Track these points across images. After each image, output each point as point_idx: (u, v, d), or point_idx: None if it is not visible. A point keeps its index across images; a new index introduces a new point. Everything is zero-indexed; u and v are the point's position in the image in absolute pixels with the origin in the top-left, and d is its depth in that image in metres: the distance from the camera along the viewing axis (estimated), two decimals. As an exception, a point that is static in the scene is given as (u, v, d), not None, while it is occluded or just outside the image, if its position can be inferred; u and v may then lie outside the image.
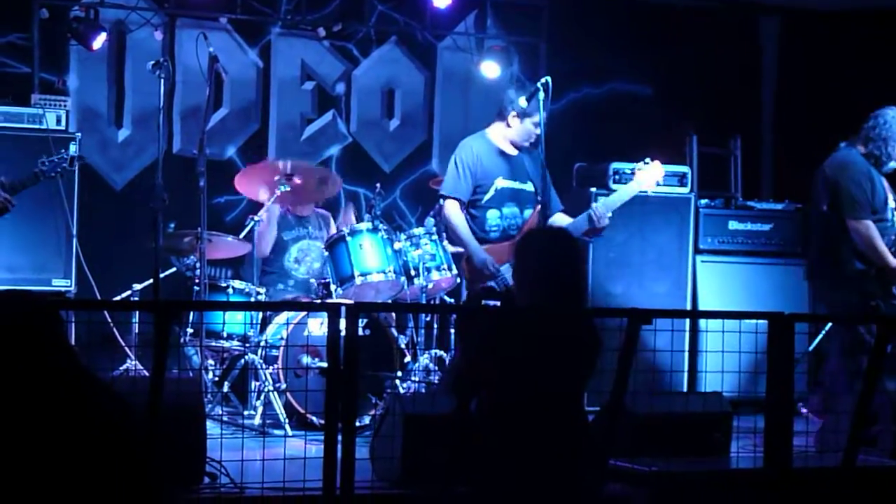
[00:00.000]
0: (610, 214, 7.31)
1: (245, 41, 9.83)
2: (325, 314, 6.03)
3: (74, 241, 8.39)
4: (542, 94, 7.25)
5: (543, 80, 7.32)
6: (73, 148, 6.84)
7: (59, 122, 8.46)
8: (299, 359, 7.71)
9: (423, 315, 7.95)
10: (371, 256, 7.82)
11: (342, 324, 5.13)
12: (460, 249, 7.67)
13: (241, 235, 8.31)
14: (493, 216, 7.34)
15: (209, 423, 6.44)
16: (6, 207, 6.69)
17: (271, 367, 7.71)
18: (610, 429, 5.46)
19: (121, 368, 8.16)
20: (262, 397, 7.70)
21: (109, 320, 8.28)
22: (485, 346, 5.02)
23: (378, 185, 8.79)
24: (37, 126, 8.16)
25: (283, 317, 7.91)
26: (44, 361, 3.81)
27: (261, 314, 7.98)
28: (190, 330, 7.94)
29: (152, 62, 7.77)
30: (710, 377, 8.66)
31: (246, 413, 7.81)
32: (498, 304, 5.90)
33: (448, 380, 7.16)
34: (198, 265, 7.83)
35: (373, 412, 7.57)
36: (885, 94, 7.91)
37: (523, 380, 4.89)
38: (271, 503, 5.55)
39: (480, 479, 4.91)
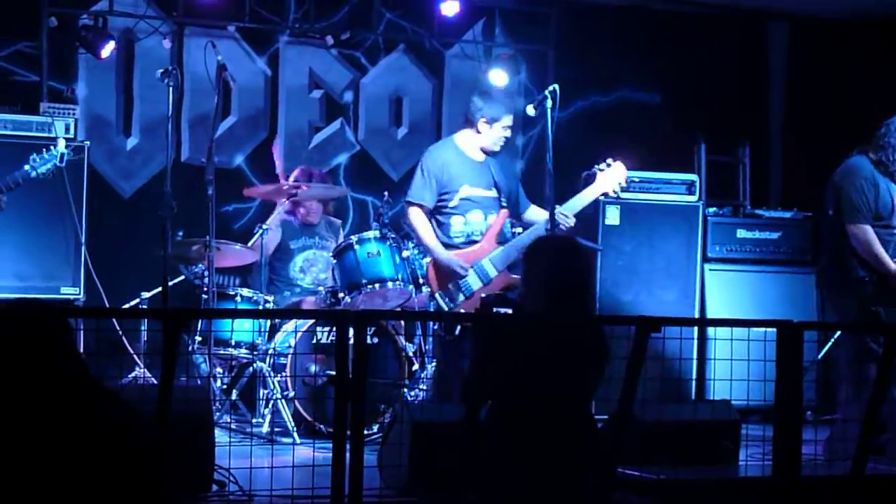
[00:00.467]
0: (572, 217, 7.42)
1: (253, 49, 9.85)
2: (333, 323, 6.04)
3: (83, 248, 8.41)
4: (549, 102, 7.29)
5: (551, 87, 7.37)
6: (61, 145, 6.81)
7: (67, 130, 8.47)
8: (307, 367, 7.73)
9: (431, 323, 7.95)
10: (379, 265, 7.83)
11: (350, 332, 5.14)
12: None
13: (250, 244, 8.32)
14: (457, 223, 7.52)
15: (217, 431, 6.46)
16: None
17: (279, 375, 7.73)
18: (618, 436, 5.47)
19: (129, 376, 8.16)
20: (270, 405, 7.71)
21: (118, 328, 8.29)
22: (493, 354, 5.03)
23: (386, 193, 8.78)
24: (45, 134, 8.16)
25: (291, 325, 7.92)
26: (52, 369, 3.82)
27: (269, 322, 7.99)
28: (198, 338, 7.95)
29: (161, 70, 7.78)
30: (718, 385, 8.64)
31: (254, 421, 7.82)
32: (509, 311, 5.90)
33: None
34: (206, 273, 7.84)
35: (381, 420, 7.59)
36: (894, 101, 7.92)
37: (531, 387, 4.89)
38: (279, 511, 5.58)
39: (489, 486, 4.91)
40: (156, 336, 7.93)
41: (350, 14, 9.90)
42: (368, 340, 7.20)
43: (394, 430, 6.17)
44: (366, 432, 5.66)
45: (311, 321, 7.79)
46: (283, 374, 7.71)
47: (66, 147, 6.87)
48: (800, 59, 10.70)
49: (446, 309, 7.39)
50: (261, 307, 8.04)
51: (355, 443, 5.23)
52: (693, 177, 9.50)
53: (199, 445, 5.72)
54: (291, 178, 8.61)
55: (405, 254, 7.88)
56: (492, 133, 7.55)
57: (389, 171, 10.18)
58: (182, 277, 8.36)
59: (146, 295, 8.32)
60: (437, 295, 7.43)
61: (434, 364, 7.79)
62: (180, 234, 8.07)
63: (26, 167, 6.84)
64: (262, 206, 9.33)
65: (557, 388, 4.93)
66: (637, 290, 9.17)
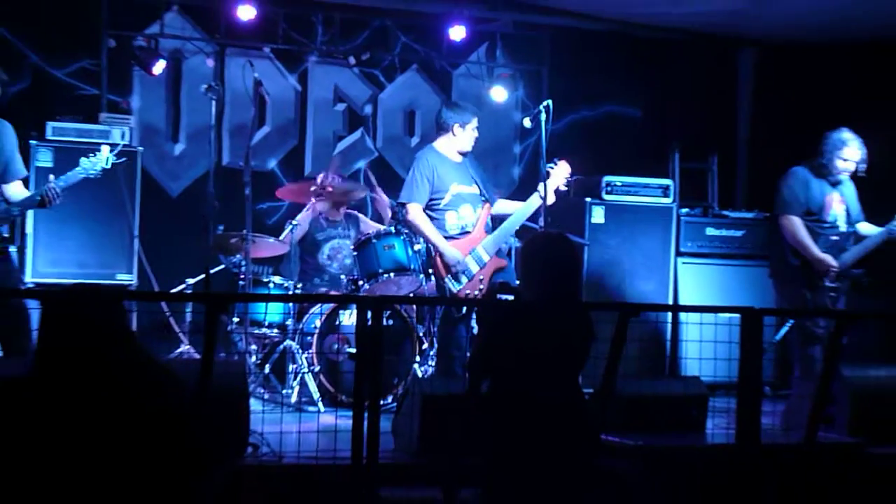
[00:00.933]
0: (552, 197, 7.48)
1: (285, 68, 9.83)
2: (354, 306, 6.04)
3: (136, 240, 8.41)
4: (543, 116, 7.33)
5: (545, 103, 7.40)
6: (105, 150, 6.80)
7: (123, 137, 8.48)
8: (331, 345, 7.74)
9: (439, 307, 7.94)
10: (394, 256, 7.83)
11: (368, 315, 5.14)
12: None
13: (281, 237, 8.33)
14: (451, 217, 7.57)
15: (252, 401, 6.46)
16: (53, 201, 6.64)
17: (306, 352, 7.73)
18: (602, 408, 5.48)
19: (176, 352, 8.18)
20: (298, 378, 7.72)
21: (166, 310, 8.31)
22: (494, 336, 5.03)
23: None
24: (104, 141, 8.16)
25: (317, 308, 7.92)
26: (109, 344, 3.84)
27: (298, 305, 7.99)
28: (236, 319, 7.96)
29: (205, 86, 7.78)
30: (689, 363, 8.68)
31: (284, 392, 7.82)
32: (511, 298, 5.92)
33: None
34: (243, 262, 7.85)
35: (395, 392, 7.59)
36: (846, 117, 7.93)
37: (527, 364, 4.90)
38: (306, 470, 5.58)
39: (490, 451, 4.92)
40: (199, 317, 7.95)
41: (370, 37, 9.89)
42: (384, 322, 7.20)
43: (406, 401, 6.17)
44: (381, 403, 5.65)
45: (335, 305, 7.79)
46: (310, 351, 7.71)
47: (111, 151, 6.84)
48: (765, 81, 10.68)
49: (454, 290, 7.40)
50: (290, 293, 8.05)
51: (372, 412, 5.24)
52: (668, 182, 9.48)
53: (236, 413, 5.71)
54: (319, 179, 8.57)
55: (416, 247, 7.87)
56: (465, 135, 7.65)
57: (403, 174, 10.09)
58: (222, 266, 8.36)
59: (191, 281, 8.32)
60: (445, 279, 7.44)
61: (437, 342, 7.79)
62: (221, 228, 8.07)
63: (77, 169, 6.82)
64: (291, 204, 9.32)
65: (549, 365, 4.93)
66: (619, 280, 9.15)
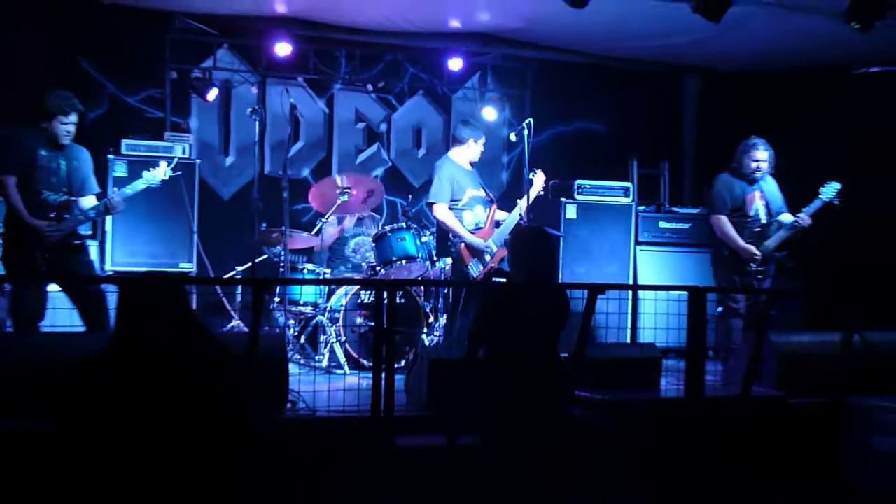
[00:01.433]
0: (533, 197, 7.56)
1: (315, 94, 9.81)
2: (372, 288, 6.03)
3: (195, 235, 8.40)
4: (526, 131, 7.33)
5: (527, 120, 7.38)
6: (163, 165, 6.80)
7: (184, 151, 8.48)
8: (354, 320, 7.73)
9: (442, 288, 7.94)
10: (405, 246, 7.82)
11: (385, 294, 5.14)
12: None
13: (313, 232, 8.31)
14: (468, 216, 7.57)
15: (290, 365, 6.46)
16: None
17: (335, 325, 7.72)
18: (576, 369, 5.47)
19: (227, 327, 8.17)
20: (328, 347, 7.71)
21: (220, 292, 8.30)
22: (489, 310, 5.02)
23: (410, 196, 8.80)
24: (169, 155, 8.15)
25: (342, 290, 7.91)
26: (174, 319, 3.84)
27: (327, 287, 7.98)
28: (277, 299, 7.95)
29: (250, 109, 7.76)
30: (646, 332, 8.66)
31: (316, 358, 7.81)
32: (503, 280, 5.94)
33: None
34: (282, 253, 7.84)
35: (406, 357, 7.59)
36: (770, 129, 7.95)
37: (516, 333, 4.89)
38: (334, 422, 5.58)
39: (486, 403, 4.91)
40: (247, 297, 7.95)
41: (384, 69, 9.86)
42: (397, 301, 7.19)
43: (416, 364, 6.16)
44: (396, 366, 5.64)
45: (357, 287, 7.78)
46: (337, 324, 7.70)
47: (168, 165, 6.84)
48: (706, 101, 10.65)
49: (473, 275, 7.43)
50: (321, 277, 8.04)
51: (388, 374, 5.24)
52: (628, 184, 9.48)
53: (277, 376, 5.71)
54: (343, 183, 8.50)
55: (423, 239, 7.87)
56: (476, 148, 7.67)
57: (412, 180, 10.16)
58: (265, 256, 8.35)
59: (240, 268, 8.31)
60: (469, 265, 7.44)
61: (446, 316, 7.77)
62: (264, 225, 8.06)
63: (139, 180, 6.83)
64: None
65: (533, 334, 4.93)
66: (589, 265, 9.14)
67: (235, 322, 8.19)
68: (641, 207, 9.56)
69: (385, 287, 5.30)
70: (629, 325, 8.95)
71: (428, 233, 8.01)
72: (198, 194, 8.50)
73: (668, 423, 5.85)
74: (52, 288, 6.67)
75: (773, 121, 8.94)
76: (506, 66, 10.27)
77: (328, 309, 7.83)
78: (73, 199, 6.63)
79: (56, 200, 6.57)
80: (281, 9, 8.80)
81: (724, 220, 7.56)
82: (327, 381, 6.57)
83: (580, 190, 9.21)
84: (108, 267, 8.19)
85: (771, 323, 6.44)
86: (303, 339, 7.94)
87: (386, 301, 5.20)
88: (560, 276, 8.78)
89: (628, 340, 8.75)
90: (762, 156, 7.60)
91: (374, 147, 10.06)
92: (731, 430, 5.95)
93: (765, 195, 7.68)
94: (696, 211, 9.67)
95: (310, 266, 8.15)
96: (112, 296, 6.29)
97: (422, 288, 8.16)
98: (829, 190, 7.44)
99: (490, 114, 9.67)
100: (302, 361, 7.78)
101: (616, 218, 9.31)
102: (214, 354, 3.88)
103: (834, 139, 9.38)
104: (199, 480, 3.73)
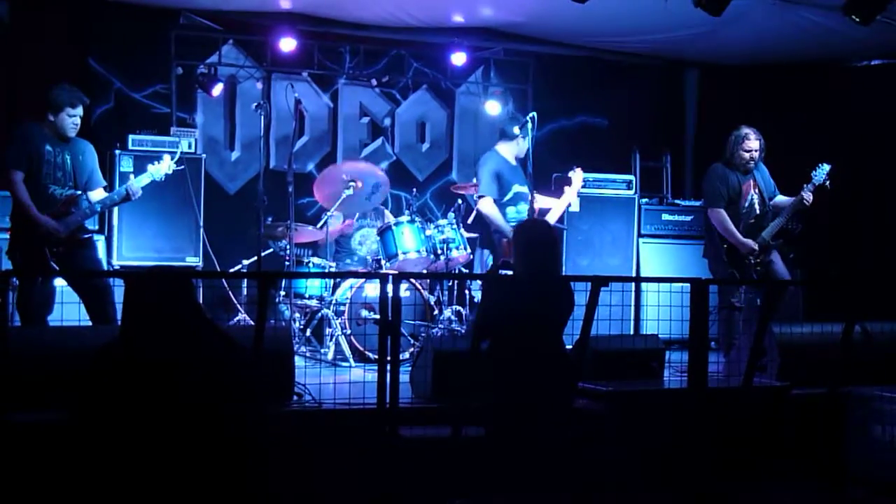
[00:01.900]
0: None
1: (320, 89, 9.79)
2: (378, 281, 6.02)
3: (201, 230, 8.39)
4: (530, 125, 7.29)
5: (531, 115, 7.36)
6: (167, 159, 6.84)
7: (190, 146, 8.48)
8: (359, 312, 7.72)
9: (446, 281, 7.93)
10: (409, 240, 7.81)
11: (390, 287, 5.12)
12: (474, 235, 7.84)
13: (318, 226, 8.31)
14: (511, 211, 7.53)
15: (296, 358, 6.45)
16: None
17: (340, 318, 7.72)
18: (579, 360, 5.46)
19: (234, 320, 8.17)
20: (333, 339, 7.71)
21: (226, 285, 8.30)
22: (493, 303, 5.02)
23: (414, 189, 8.80)
24: (175, 149, 8.15)
25: (348, 282, 7.91)
26: (181, 313, 3.83)
27: (332, 281, 7.98)
28: (282, 292, 7.95)
29: (255, 104, 7.77)
30: (649, 324, 8.66)
31: (322, 350, 7.81)
32: (509, 273, 5.93)
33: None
34: (288, 247, 7.84)
35: (412, 349, 7.58)
36: (769, 124, 7.93)
37: (521, 325, 4.89)
38: (340, 414, 5.57)
39: (490, 395, 4.90)
40: (253, 291, 7.95)
41: (388, 64, 9.84)
42: (402, 293, 7.17)
43: (421, 356, 6.16)
44: (401, 358, 5.63)
45: (362, 280, 7.77)
46: (343, 317, 7.70)
47: (172, 159, 6.87)
48: (706, 94, 10.65)
49: None
50: (326, 270, 8.03)
51: (394, 365, 5.23)
52: (631, 177, 9.47)
53: (283, 368, 5.71)
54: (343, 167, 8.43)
55: (428, 232, 7.86)
56: (524, 144, 7.57)
57: (416, 174, 10.14)
58: (271, 250, 8.35)
59: (246, 262, 8.32)
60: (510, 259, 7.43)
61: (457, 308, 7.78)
62: (269, 219, 8.06)
63: (145, 173, 6.85)
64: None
65: (538, 325, 4.92)
66: (592, 257, 9.14)
67: (241, 315, 8.19)
68: (644, 200, 9.55)
69: (390, 280, 5.28)
70: (632, 317, 8.94)
71: (432, 226, 8.00)
72: (204, 189, 8.49)
73: (670, 414, 5.84)
74: (60, 282, 6.68)
75: (773, 113, 8.93)
76: (508, 61, 10.24)
77: (333, 302, 7.82)
78: (80, 193, 6.65)
79: (63, 195, 6.58)
80: (285, 5, 8.79)
81: (723, 214, 7.52)
82: (333, 373, 6.56)
83: (583, 183, 9.18)
84: (115, 261, 8.19)
85: (774, 316, 6.42)
86: (308, 332, 7.94)
87: (391, 293, 5.18)
88: (563, 268, 8.76)
89: (631, 331, 8.75)
90: (754, 145, 7.58)
91: (379, 141, 10.04)
92: (734, 420, 5.94)
93: (759, 182, 7.68)
94: (698, 203, 9.63)
95: (315, 260, 8.15)
96: (119, 290, 6.30)
97: (427, 281, 8.15)
98: (821, 173, 7.42)
99: (493, 108, 9.65)
100: (308, 354, 7.78)
101: (619, 210, 9.30)
102: (221, 348, 3.87)
103: (833, 131, 9.36)
104: (207, 472, 3.73)
